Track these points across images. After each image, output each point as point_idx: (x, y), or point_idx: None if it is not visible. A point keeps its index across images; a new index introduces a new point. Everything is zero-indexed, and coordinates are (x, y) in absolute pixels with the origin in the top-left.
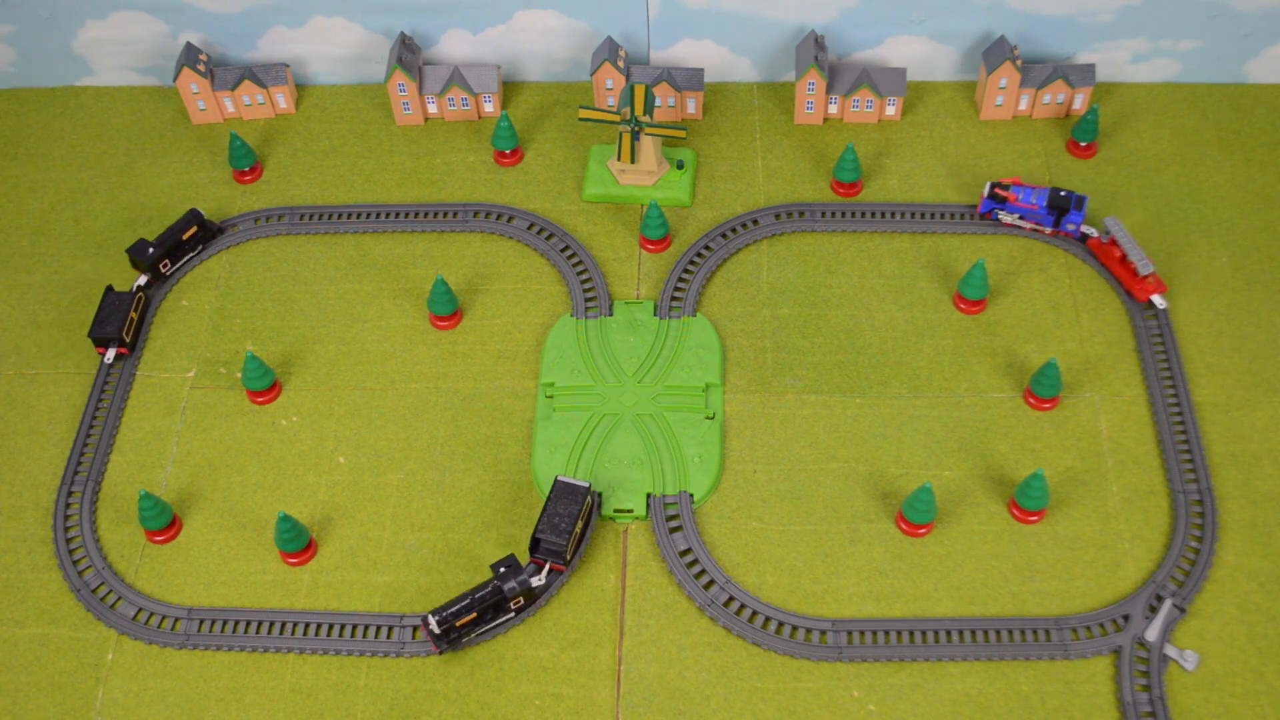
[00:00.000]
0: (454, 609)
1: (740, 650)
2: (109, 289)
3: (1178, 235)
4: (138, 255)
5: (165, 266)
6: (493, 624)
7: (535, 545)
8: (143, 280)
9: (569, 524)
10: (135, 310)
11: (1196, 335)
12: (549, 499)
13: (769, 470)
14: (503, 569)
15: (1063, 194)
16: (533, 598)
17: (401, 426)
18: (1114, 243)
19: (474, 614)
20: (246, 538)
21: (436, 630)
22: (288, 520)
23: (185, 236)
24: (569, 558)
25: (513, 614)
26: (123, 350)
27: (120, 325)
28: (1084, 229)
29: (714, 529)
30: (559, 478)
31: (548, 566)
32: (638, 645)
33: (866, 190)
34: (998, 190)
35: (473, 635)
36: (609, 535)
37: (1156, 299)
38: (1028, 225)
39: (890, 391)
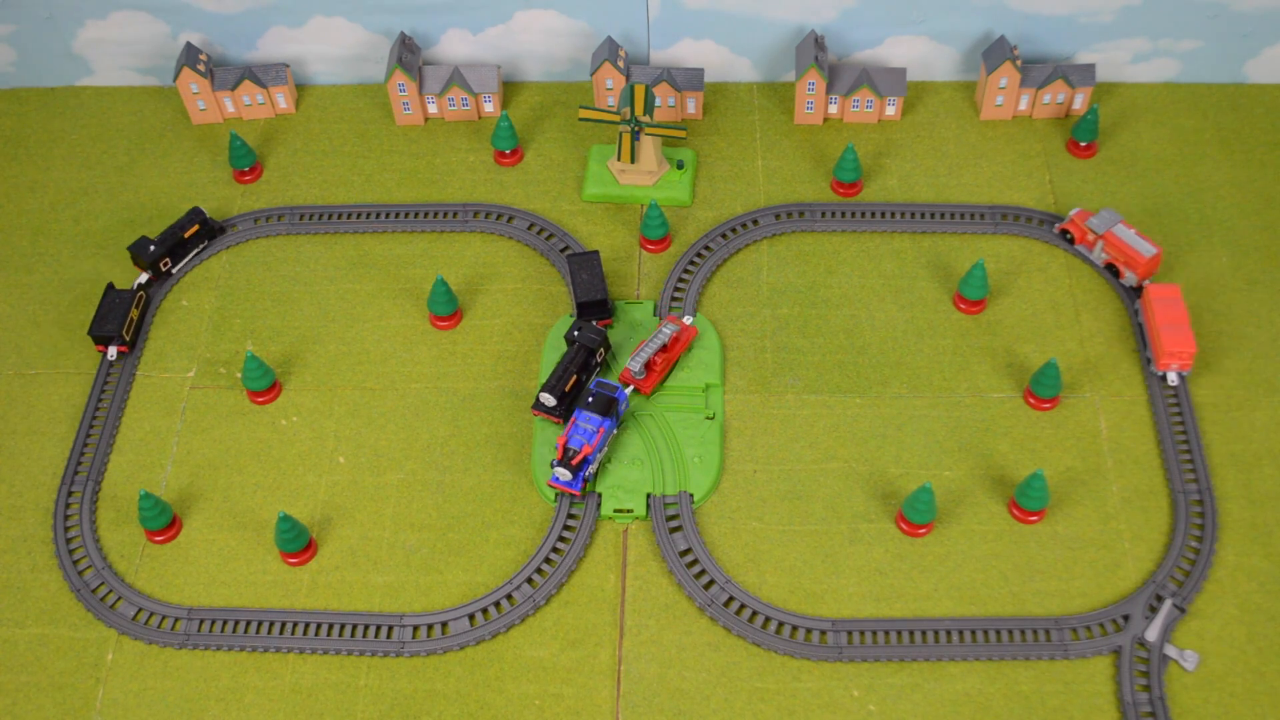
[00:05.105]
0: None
1: (740, 650)
2: (109, 286)
3: (1178, 235)
4: (139, 252)
5: (166, 265)
6: None
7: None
8: (143, 278)
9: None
10: (136, 308)
11: (1197, 335)
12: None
13: (769, 470)
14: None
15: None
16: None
17: (401, 426)
18: (672, 341)
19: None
20: (246, 538)
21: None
22: (288, 520)
23: (187, 235)
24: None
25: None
26: (123, 348)
27: (121, 323)
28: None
29: (714, 529)
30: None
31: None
32: (638, 645)
33: (866, 190)
34: None
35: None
36: (609, 535)
37: (687, 317)
38: None
39: (890, 391)
